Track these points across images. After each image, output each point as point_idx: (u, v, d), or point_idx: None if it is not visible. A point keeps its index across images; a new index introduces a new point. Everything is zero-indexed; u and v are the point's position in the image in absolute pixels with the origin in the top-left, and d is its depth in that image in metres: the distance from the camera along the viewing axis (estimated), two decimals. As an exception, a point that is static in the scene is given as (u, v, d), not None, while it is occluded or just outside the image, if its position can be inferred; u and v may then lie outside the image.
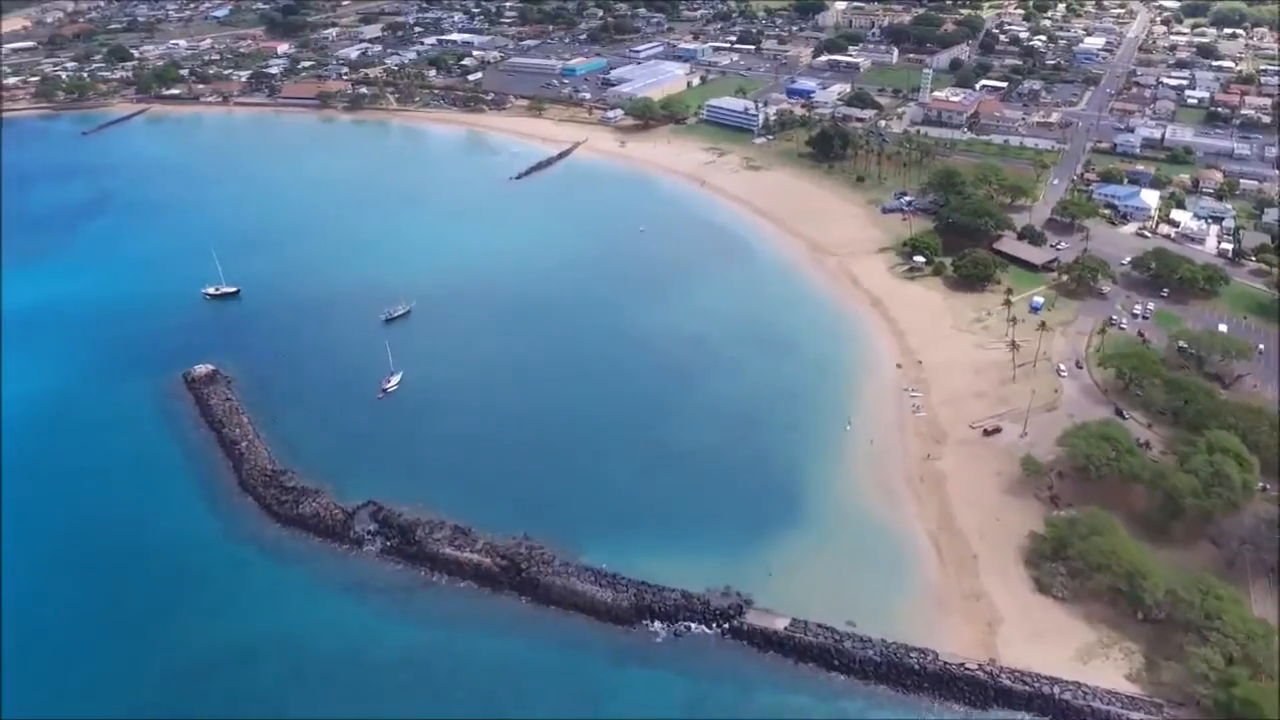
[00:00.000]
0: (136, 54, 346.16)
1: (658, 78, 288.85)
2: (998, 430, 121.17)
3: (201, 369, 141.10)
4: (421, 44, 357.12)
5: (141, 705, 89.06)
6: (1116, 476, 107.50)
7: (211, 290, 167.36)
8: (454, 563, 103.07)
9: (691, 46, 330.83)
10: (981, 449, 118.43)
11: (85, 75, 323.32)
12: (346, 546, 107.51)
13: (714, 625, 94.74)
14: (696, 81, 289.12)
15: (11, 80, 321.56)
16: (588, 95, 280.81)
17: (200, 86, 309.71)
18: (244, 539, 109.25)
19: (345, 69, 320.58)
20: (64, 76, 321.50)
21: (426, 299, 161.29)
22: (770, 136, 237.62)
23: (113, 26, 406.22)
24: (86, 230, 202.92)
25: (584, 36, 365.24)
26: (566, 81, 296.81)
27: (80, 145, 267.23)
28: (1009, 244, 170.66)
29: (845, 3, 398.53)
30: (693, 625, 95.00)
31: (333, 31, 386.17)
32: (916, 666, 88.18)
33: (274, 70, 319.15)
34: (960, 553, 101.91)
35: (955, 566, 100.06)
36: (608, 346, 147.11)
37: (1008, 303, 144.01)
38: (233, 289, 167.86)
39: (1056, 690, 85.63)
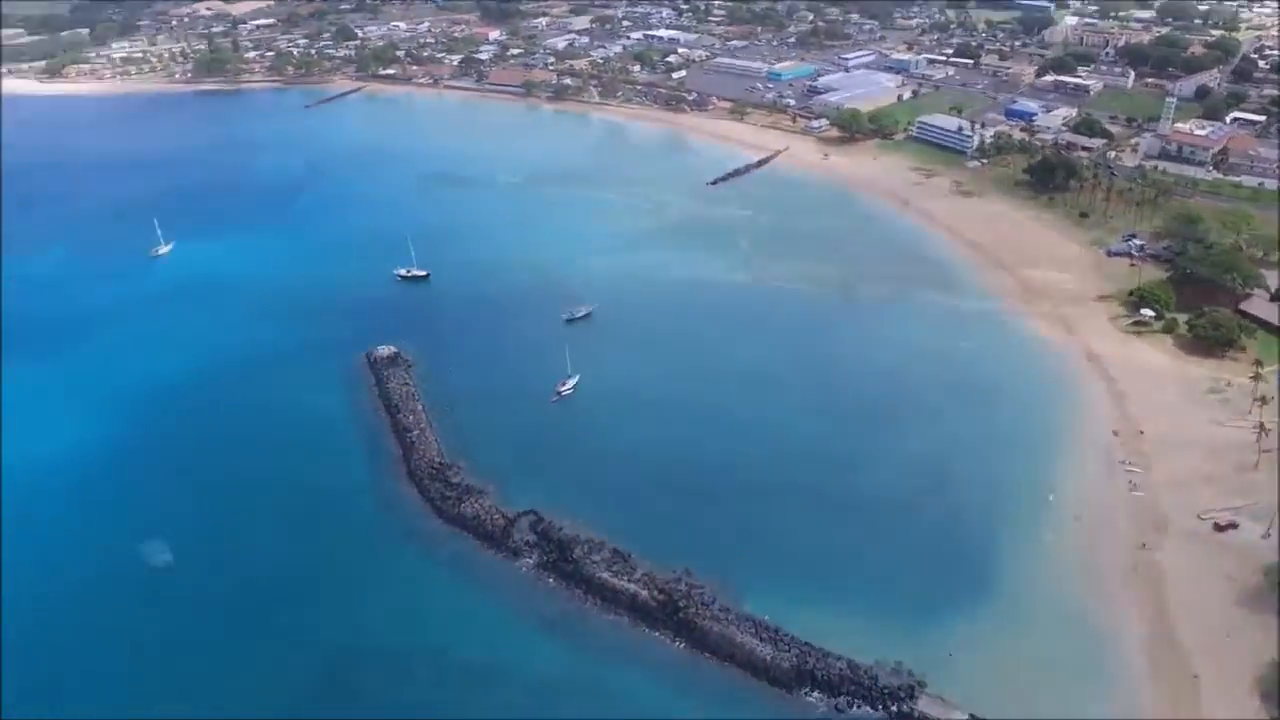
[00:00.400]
0: (360, 34, 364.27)
1: (866, 88, 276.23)
2: (1233, 526, 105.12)
3: (384, 350, 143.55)
4: (628, 38, 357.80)
5: (276, 695, 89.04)
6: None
7: (403, 272, 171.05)
8: (610, 590, 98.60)
9: (904, 57, 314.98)
10: (1211, 546, 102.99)
11: (313, 52, 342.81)
12: (503, 555, 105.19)
13: (879, 707, 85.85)
14: (907, 95, 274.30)
15: (251, 54, 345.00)
16: (792, 102, 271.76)
17: (414, 68, 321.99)
18: (403, 531, 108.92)
19: (551, 59, 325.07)
20: (295, 53, 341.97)
21: (610, 302, 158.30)
22: (984, 160, 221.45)
23: (343, 7, 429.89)
24: (297, 202, 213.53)
25: (792, 40, 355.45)
26: (771, 86, 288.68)
27: (301, 118, 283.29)
28: (1259, 306, 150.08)
29: (1076, 18, 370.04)
30: (856, 703, 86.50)
31: (543, 21, 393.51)
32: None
33: (484, 56, 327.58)
34: (1177, 671, 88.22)
35: (1170, 687, 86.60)
36: (791, 371, 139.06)
37: (1256, 375, 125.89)
38: (423, 273, 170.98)
39: None
